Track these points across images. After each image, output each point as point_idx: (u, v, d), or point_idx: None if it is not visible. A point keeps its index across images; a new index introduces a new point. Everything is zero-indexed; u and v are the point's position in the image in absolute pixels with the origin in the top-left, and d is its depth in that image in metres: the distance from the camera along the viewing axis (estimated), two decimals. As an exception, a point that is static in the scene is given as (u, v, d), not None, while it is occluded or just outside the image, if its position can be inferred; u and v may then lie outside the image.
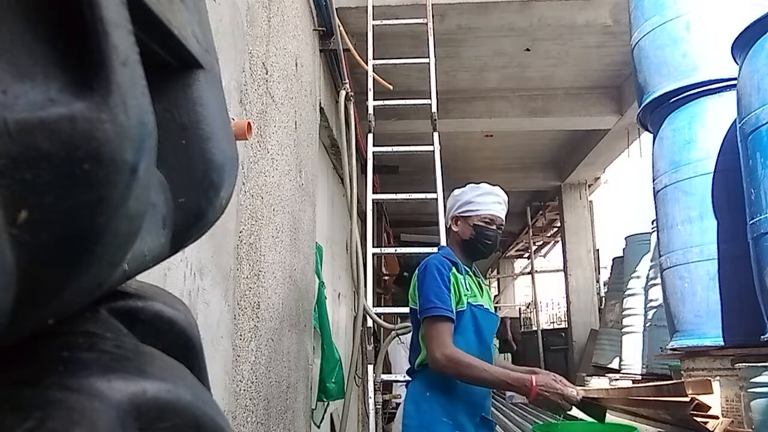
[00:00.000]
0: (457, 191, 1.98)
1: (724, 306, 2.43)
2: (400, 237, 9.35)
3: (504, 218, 1.95)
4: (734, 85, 2.30)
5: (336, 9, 3.41)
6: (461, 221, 1.92)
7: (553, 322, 14.62)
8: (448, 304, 1.73)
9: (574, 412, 1.81)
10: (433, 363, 1.69)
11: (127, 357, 0.23)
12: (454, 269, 1.82)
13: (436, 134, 3.81)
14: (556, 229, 10.65)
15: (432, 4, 4.12)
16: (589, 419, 1.81)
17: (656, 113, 2.87)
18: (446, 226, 2.02)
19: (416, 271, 1.86)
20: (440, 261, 1.82)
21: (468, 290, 1.84)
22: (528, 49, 5.12)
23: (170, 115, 0.28)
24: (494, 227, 1.91)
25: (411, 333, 1.95)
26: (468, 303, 1.80)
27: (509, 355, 9.48)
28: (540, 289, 10.73)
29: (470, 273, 1.92)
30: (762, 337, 2.09)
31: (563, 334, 8.74)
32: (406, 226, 9.37)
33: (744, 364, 2.07)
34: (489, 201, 1.90)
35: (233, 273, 1.61)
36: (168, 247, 0.27)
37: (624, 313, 5.30)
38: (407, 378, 1.96)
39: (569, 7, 4.28)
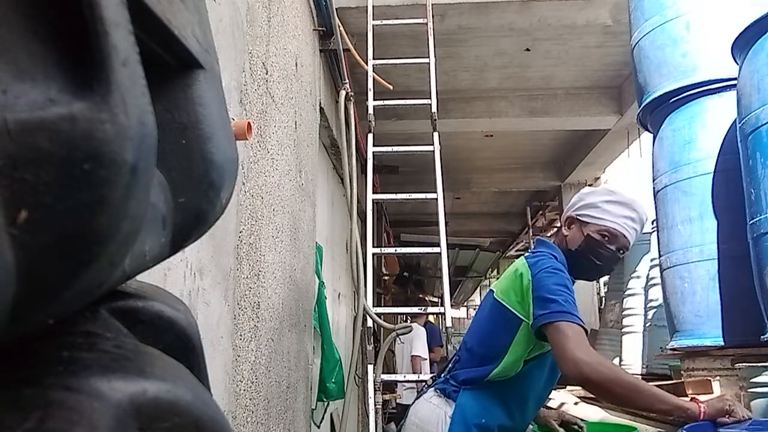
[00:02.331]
0: (587, 189, 1.64)
1: (724, 306, 2.43)
2: (400, 237, 9.35)
3: (631, 242, 1.55)
4: (734, 85, 2.30)
5: (336, 9, 3.41)
6: (575, 225, 1.57)
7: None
8: (580, 316, 1.38)
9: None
10: (577, 367, 1.29)
11: (127, 357, 0.23)
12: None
13: (436, 134, 3.81)
14: (556, 229, 10.64)
15: (432, 4, 4.11)
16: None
17: (656, 113, 2.87)
18: (560, 225, 1.65)
19: (527, 265, 1.50)
20: (564, 267, 1.47)
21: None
22: (528, 49, 5.12)
23: (170, 115, 0.28)
24: (613, 248, 1.52)
25: (469, 336, 1.60)
26: None
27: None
28: (540, 289, 10.70)
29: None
30: (762, 337, 2.09)
31: (563, 334, 8.72)
32: (406, 226, 9.36)
33: (744, 364, 2.07)
34: (619, 213, 1.52)
35: (233, 273, 1.60)
36: (168, 247, 0.27)
37: (624, 313, 5.30)
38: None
39: (569, 7, 4.28)
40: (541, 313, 1.38)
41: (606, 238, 1.51)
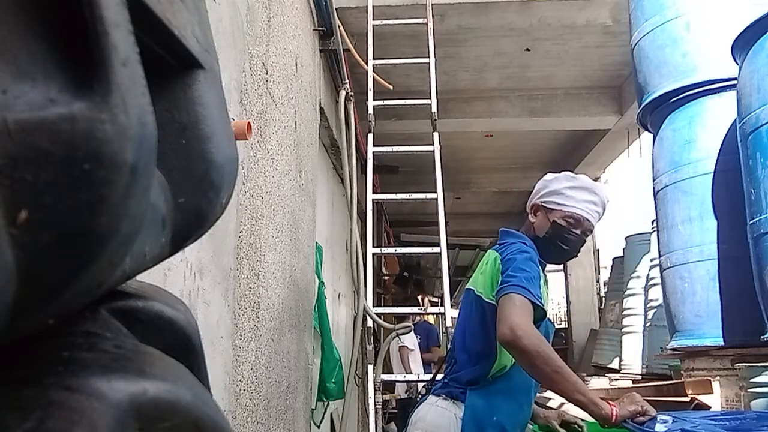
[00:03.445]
0: (550, 176, 1.67)
1: (724, 306, 2.43)
2: (400, 237, 9.35)
3: (594, 225, 1.61)
4: (734, 85, 2.30)
5: (336, 9, 3.41)
6: (541, 212, 1.61)
7: (553, 322, 14.60)
8: (540, 297, 1.44)
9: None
10: (512, 331, 1.32)
11: (127, 357, 0.23)
12: (540, 269, 1.54)
13: (436, 134, 3.81)
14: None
15: (432, 4, 4.11)
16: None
17: (656, 113, 2.87)
18: (526, 211, 1.69)
19: (496, 253, 1.56)
20: (534, 253, 1.53)
21: (547, 299, 1.58)
22: (528, 49, 5.12)
23: (170, 115, 0.28)
24: (578, 232, 1.58)
25: (463, 332, 1.61)
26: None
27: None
28: (540, 289, 10.71)
29: (547, 281, 1.62)
30: (762, 337, 2.09)
31: (563, 334, 8.73)
32: (406, 226, 9.36)
33: (744, 364, 2.07)
34: (582, 198, 1.57)
35: (233, 273, 1.61)
36: (168, 247, 0.27)
37: (624, 313, 5.30)
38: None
39: (569, 7, 4.28)
40: (500, 288, 1.44)
41: (571, 224, 1.57)
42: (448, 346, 3.26)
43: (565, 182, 1.60)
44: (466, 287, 1.73)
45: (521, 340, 1.32)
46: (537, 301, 1.41)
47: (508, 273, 1.46)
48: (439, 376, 1.77)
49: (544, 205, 1.60)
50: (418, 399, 1.76)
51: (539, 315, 1.46)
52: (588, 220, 1.57)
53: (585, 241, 1.61)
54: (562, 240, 1.57)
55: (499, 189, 8.64)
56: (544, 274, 1.62)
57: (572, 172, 1.70)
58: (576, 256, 1.64)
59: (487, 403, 1.52)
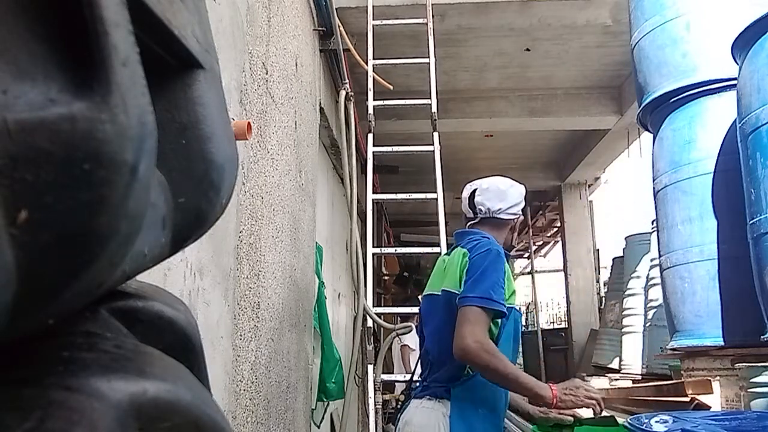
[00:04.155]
0: (512, 185, 1.85)
1: (724, 306, 2.43)
2: (400, 237, 9.35)
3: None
4: (734, 85, 2.30)
5: (336, 9, 3.41)
6: (497, 223, 1.81)
7: (553, 322, 14.61)
8: (503, 299, 1.57)
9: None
10: (463, 347, 1.49)
11: (127, 357, 0.23)
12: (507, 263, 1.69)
13: (436, 134, 3.81)
14: (556, 229, 10.64)
15: (432, 4, 4.12)
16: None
17: (656, 113, 2.87)
18: (496, 215, 1.81)
19: (465, 250, 1.67)
20: (502, 250, 1.66)
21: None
22: (528, 49, 5.12)
23: (170, 115, 0.28)
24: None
25: (413, 328, 1.84)
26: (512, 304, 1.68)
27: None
28: (540, 289, 10.73)
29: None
30: (762, 337, 2.09)
31: (563, 334, 8.73)
32: (406, 226, 9.37)
33: (744, 364, 2.07)
34: (520, 201, 1.84)
35: (233, 273, 1.61)
36: (168, 247, 0.27)
37: (624, 313, 5.30)
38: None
39: (569, 7, 4.28)
40: (463, 296, 1.57)
41: (520, 223, 1.86)
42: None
43: (520, 191, 1.84)
44: (426, 294, 1.82)
45: (472, 361, 1.50)
46: (500, 308, 1.55)
47: (473, 279, 1.57)
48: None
49: (499, 218, 1.79)
50: (398, 407, 1.84)
51: (499, 315, 1.59)
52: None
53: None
54: (512, 242, 1.85)
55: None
56: (510, 264, 1.84)
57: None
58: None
59: (471, 396, 1.60)
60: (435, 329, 1.72)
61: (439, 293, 1.71)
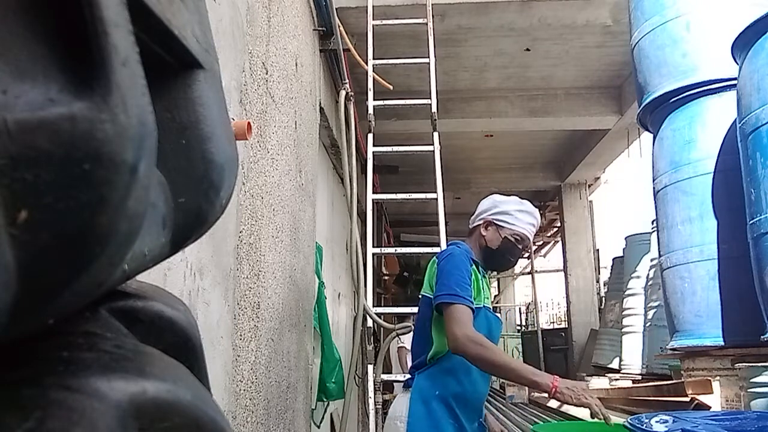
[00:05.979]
0: (499, 197, 1.96)
1: (724, 306, 2.43)
2: (400, 237, 9.35)
3: (531, 241, 1.95)
4: (734, 85, 2.30)
5: (336, 9, 3.41)
6: (492, 228, 1.89)
7: (553, 322, 14.62)
8: (469, 295, 1.70)
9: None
10: (454, 342, 1.62)
11: (127, 357, 0.23)
12: (474, 267, 1.81)
13: (436, 134, 3.81)
14: (556, 229, 10.65)
15: (432, 4, 4.11)
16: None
17: (656, 113, 2.87)
18: (471, 225, 1.97)
19: (436, 258, 1.83)
20: (465, 253, 1.79)
21: (483, 291, 1.82)
22: (528, 49, 5.13)
23: (170, 115, 0.28)
24: (521, 247, 1.90)
25: (413, 328, 1.92)
26: (483, 305, 1.79)
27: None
28: (540, 289, 10.73)
29: (486, 277, 1.91)
30: (762, 337, 2.09)
31: (563, 334, 8.74)
32: (406, 226, 9.37)
33: (744, 364, 2.07)
34: (527, 221, 1.88)
35: (233, 273, 1.61)
36: (168, 247, 0.27)
37: (624, 313, 5.30)
38: (406, 376, 1.94)
39: (569, 7, 4.28)
40: (437, 294, 1.72)
41: (518, 240, 1.88)
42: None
43: (514, 205, 1.90)
44: (420, 295, 1.97)
45: (466, 353, 1.61)
46: (466, 303, 1.67)
47: (440, 281, 1.73)
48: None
49: (495, 222, 1.88)
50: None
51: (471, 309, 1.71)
52: (529, 238, 1.89)
53: (523, 254, 1.94)
54: (511, 254, 1.89)
55: (499, 189, 8.62)
56: (482, 271, 1.88)
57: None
58: (514, 266, 1.97)
59: (431, 380, 1.76)
60: (416, 328, 1.91)
61: (424, 294, 1.89)
